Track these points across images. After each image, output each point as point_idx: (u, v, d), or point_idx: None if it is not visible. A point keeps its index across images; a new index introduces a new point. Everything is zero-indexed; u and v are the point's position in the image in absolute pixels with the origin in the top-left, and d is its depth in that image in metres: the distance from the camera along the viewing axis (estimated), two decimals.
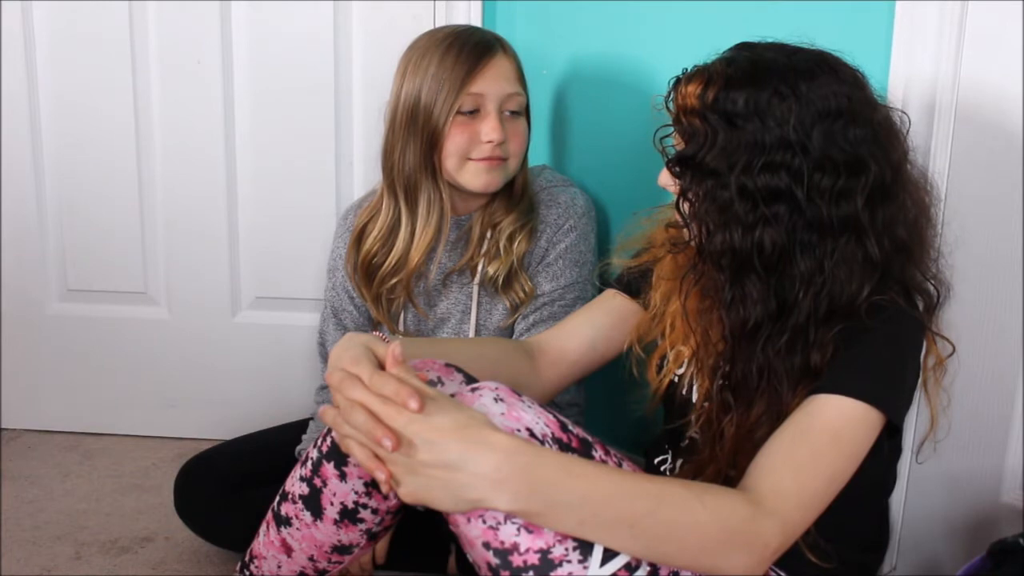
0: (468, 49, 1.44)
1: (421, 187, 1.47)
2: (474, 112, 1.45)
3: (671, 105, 1.09)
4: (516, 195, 1.53)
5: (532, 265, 1.53)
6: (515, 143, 1.48)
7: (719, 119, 1.02)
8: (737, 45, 1.09)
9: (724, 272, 1.06)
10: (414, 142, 1.45)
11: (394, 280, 1.52)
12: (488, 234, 1.52)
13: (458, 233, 1.55)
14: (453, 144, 1.44)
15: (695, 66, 1.08)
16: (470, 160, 1.46)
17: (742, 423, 1.06)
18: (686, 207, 1.08)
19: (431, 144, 1.45)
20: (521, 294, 1.51)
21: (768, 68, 1.02)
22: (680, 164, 1.07)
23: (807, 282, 1.03)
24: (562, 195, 1.54)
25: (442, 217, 1.49)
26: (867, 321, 1.02)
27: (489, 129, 1.44)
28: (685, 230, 1.10)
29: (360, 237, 1.55)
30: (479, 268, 1.53)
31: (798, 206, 1.01)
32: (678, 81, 1.08)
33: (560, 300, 1.51)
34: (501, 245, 1.51)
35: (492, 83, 1.44)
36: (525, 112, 1.51)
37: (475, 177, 1.47)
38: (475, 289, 1.54)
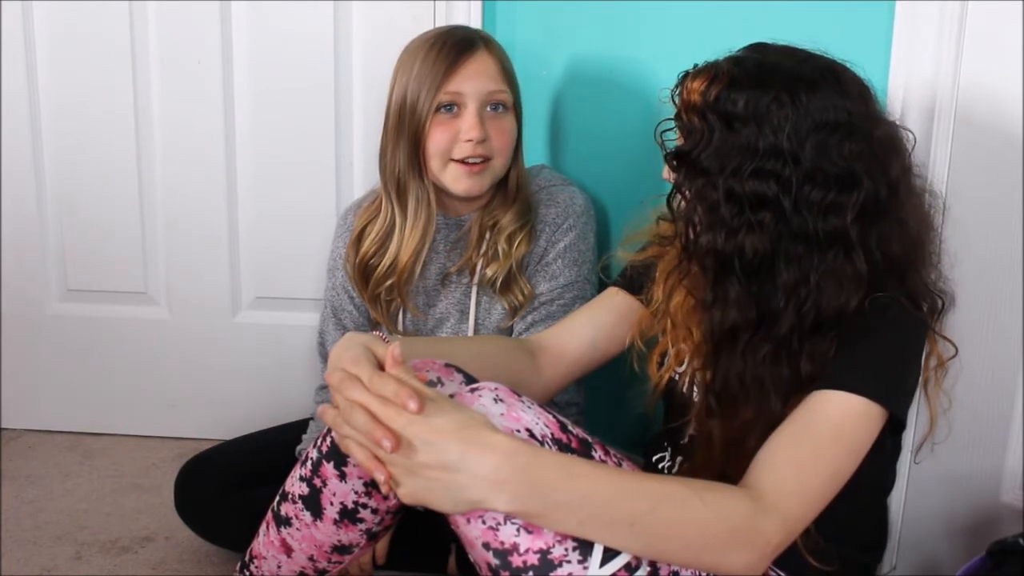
0: (448, 47, 1.44)
1: (410, 188, 1.48)
2: (455, 110, 1.45)
3: (676, 99, 1.09)
4: (511, 194, 1.52)
5: (531, 264, 1.53)
6: (499, 141, 1.47)
7: (717, 119, 1.02)
8: (750, 45, 1.08)
9: (707, 273, 1.06)
10: (403, 142, 1.46)
11: (389, 281, 1.52)
12: (487, 235, 1.52)
13: (458, 233, 1.55)
14: (434, 143, 1.44)
15: (705, 62, 1.07)
16: (452, 162, 1.46)
17: (727, 428, 1.06)
18: (678, 203, 1.08)
19: (416, 143, 1.45)
20: (520, 297, 1.51)
21: (773, 72, 1.02)
22: (677, 159, 1.07)
23: (790, 293, 1.02)
24: (561, 194, 1.54)
25: (429, 218, 1.49)
26: (870, 320, 1.02)
27: (468, 127, 1.43)
28: (674, 225, 1.10)
29: (359, 238, 1.55)
30: (478, 269, 1.53)
31: (784, 216, 1.01)
32: (686, 75, 1.08)
33: (559, 300, 1.50)
34: (500, 248, 1.50)
35: (471, 81, 1.44)
36: (513, 110, 1.50)
37: (456, 180, 1.46)
38: (474, 289, 1.54)
